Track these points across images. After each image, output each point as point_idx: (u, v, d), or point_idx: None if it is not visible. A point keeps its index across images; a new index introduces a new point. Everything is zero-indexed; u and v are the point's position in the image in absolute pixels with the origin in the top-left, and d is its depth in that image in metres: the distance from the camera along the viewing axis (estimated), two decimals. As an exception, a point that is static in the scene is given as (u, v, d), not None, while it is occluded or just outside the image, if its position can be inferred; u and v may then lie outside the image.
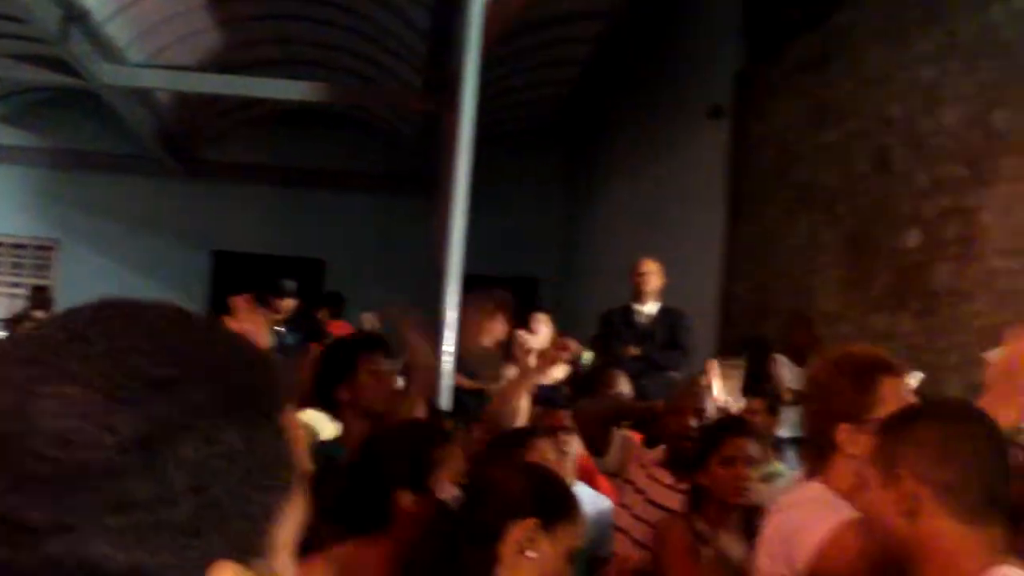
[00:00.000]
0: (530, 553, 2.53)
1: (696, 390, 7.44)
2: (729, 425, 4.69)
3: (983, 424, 2.25)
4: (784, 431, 7.96)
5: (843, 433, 2.82)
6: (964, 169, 8.83)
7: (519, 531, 2.54)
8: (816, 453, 2.97)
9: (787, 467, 6.41)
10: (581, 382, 7.62)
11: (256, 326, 3.18)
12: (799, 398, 8.50)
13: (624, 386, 7.06)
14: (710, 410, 7.36)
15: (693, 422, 5.49)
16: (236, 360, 0.95)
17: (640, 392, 7.61)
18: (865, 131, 10.03)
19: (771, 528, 2.88)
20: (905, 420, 2.31)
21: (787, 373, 8.67)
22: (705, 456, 4.37)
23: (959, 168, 8.88)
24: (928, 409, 2.39)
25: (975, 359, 8.83)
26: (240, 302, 3.27)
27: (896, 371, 2.95)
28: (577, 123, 17.68)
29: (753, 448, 4.41)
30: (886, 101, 9.79)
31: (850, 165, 10.18)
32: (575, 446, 5.46)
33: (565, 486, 2.78)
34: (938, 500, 2.16)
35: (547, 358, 4.40)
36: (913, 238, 9.30)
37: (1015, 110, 8.37)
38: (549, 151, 18.39)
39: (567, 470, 4.47)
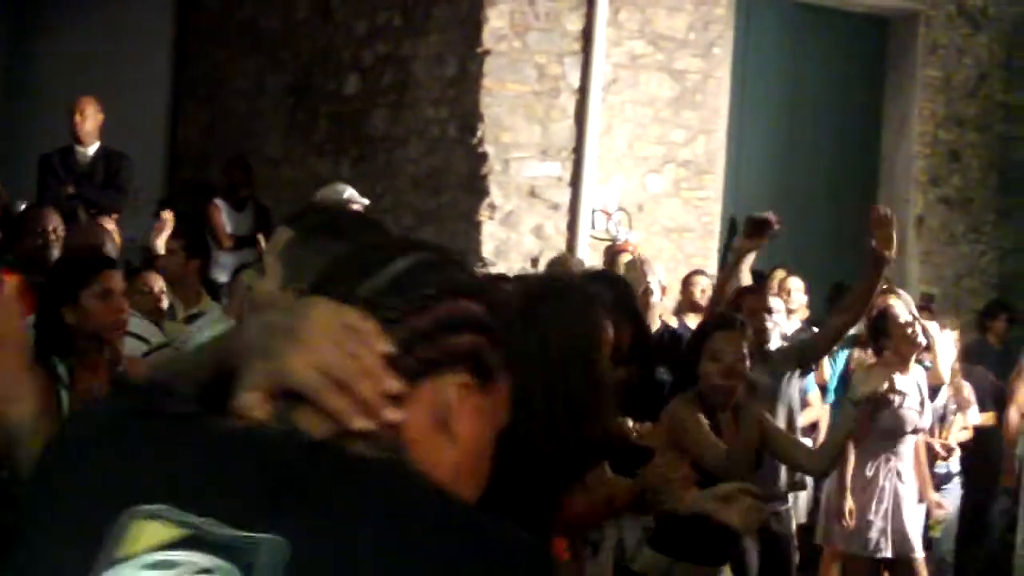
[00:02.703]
0: None
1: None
2: (98, 260, 4.44)
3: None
4: (222, 275, 8.07)
5: None
6: (400, 18, 9.11)
7: None
8: None
9: (220, 307, 6.58)
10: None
11: None
12: (238, 243, 8.62)
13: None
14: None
15: None
16: None
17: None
18: (306, -24, 10.11)
19: None
20: (310, 228, 2.40)
21: (226, 218, 8.74)
22: (77, 290, 3.97)
23: (395, 16, 9.15)
24: (335, 222, 2.49)
25: (406, 203, 9.26)
26: None
27: None
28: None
29: (118, 282, 4.09)
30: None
31: (292, 10, 10.24)
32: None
33: None
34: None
35: None
36: (352, 85, 9.53)
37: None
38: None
39: None
